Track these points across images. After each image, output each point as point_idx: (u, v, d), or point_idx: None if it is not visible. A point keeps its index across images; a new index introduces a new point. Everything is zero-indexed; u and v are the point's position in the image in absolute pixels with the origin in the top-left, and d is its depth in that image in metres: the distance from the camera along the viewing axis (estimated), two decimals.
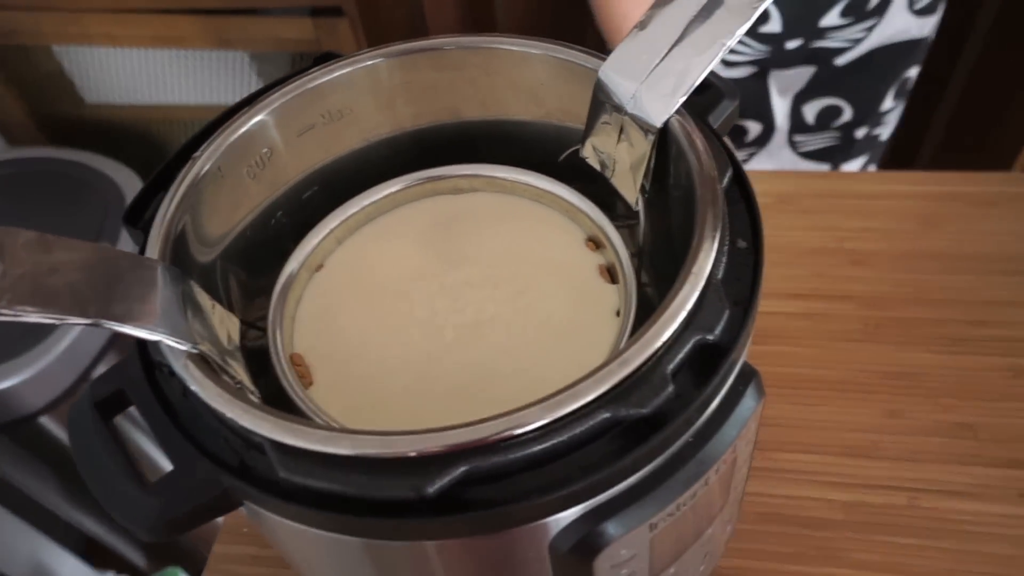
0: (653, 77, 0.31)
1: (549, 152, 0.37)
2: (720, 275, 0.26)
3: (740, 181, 0.30)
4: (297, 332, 0.35)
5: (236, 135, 0.33)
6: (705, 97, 0.33)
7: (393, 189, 0.38)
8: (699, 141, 0.29)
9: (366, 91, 0.35)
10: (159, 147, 1.44)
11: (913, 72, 0.81)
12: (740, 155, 0.82)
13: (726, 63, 0.74)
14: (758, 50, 0.72)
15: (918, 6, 0.73)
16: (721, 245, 0.26)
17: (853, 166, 0.86)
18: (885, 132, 0.86)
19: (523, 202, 0.38)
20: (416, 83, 0.36)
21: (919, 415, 0.43)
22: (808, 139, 0.81)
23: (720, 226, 0.26)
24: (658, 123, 0.30)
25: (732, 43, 0.29)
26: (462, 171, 0.38)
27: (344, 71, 0.34)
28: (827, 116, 0.79)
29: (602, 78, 0.32)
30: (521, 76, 0.35)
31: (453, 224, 0.38)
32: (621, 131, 0.33)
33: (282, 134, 0.35)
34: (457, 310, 0.34)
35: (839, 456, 0.41)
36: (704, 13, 0.30)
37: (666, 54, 0.30)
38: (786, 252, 0.53)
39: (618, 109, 0.32)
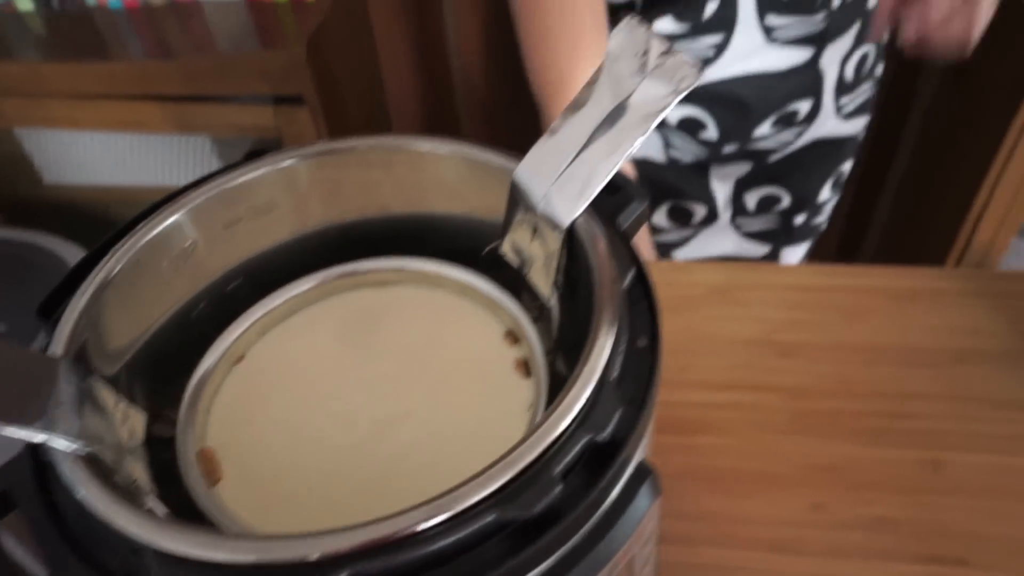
0: (562, 180, 0.32)
1: (474, 245, 0.39)
2: (615, 374, 0.27)
3: (643, 281, 0.31)
4: (211, 426, 0.34)
5: (158, 229, 0.33)
6: (616, 198, 0.35)
7: (319, 281, 0.39)
8: (601, 242, 0.30)
9: (291, 188, 0.36)
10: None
11: (847, 166, 0.86)
12: (684, 233, 0.84)
13: (670, 159, 0.77)
14: (697, 152, 0.76)
15: (846, 111, 0.78)
16: (616, 345, 0.27)
17: (795, 251, 0.89)
18: (823, 220, 0.89)
19: (446, 295, 0.39)
20: (342, 180, 0.37)
21: (842, 509, 0.43)
22: (750, 221, 0.84)
23: (615, 326, 0.27)
24: (565, 223, 0.32)
25: (633, 150, 0.31)
26: (387, 264, 0.39)
27: (269, 169, 0.35)
28: (767, 203, 0.82)
29: (516, 179, 0.34)
30: (440, 174, 0.37)
31: (376, 317, 0.38)
32: (535, 230, 0.34)
33: (207, 228, 0.35)
34: (373, 404, 0.34)
35: (764, 551, 0.41)
36: (608, 122, 0.32)
37: (574, 159, 0.32)
38: (716, 343, 0.54)
39: (531, 209, 0.34)
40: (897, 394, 0.50)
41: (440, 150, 0.35)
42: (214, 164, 1.39)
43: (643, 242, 0.74)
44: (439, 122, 1.48)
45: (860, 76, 0.77)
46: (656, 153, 0.77)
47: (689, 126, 0.73)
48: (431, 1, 1.29)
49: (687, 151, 0.76)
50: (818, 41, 0.69)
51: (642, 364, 0.28)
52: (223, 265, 0.37)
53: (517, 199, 0.34)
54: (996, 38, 1.07)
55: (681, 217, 0.83)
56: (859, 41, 0.73)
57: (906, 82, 1.27)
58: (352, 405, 0.34)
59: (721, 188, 0.80)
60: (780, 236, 0.86)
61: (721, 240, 0.85)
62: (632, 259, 0.32)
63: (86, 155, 1.37)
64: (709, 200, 0.81)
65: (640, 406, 0.26)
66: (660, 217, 0.83)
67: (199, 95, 1.11)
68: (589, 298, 0.29)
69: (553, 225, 0.32)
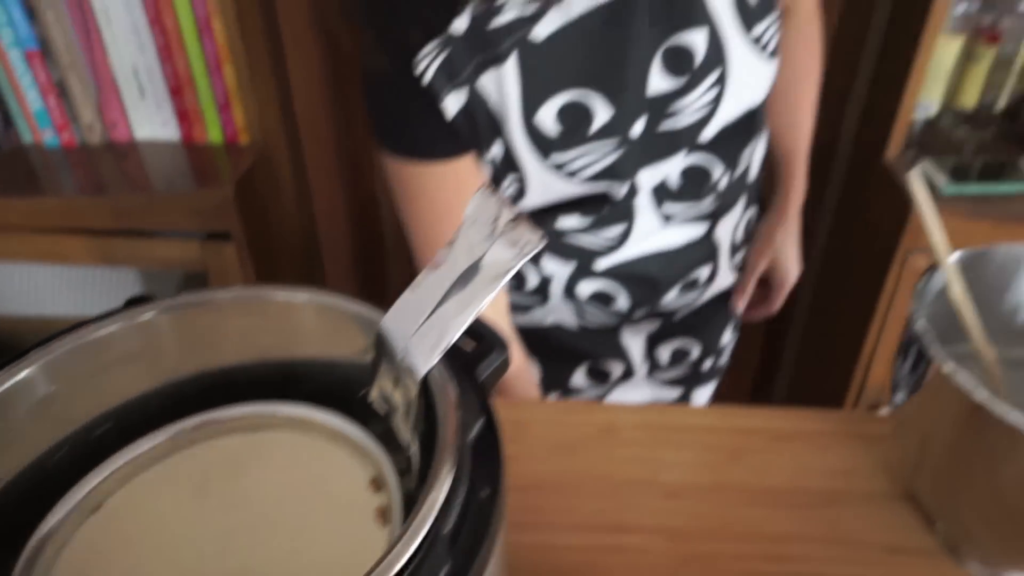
0: (420, 333, 0.34)
1: (351, 388, 0.39)
2: (449, 527, 0.27)
3: (492, 431, 0.32)
4: None
5: (12, 381, 0.33)
6: (478, 349, 0.37)
7: (190, 426, 0.38)
8: (451, 393, 0.31)
9: (160, 337, 0.36)
10: None
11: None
12: (603, 390, 0.85)
13: (581, 326, 0.79)
14: (608, 320, 0.78)
15: (740, 265, 0.83)
16: (453, 496, 0.27)
17: (704, 391, 0.91)
18: (726, 360, 0.92)
19: (316, 440, 0.39)
20: (214, 328, 0.37)
21: None
22: (664, 373, 0.86)
23: (451, 477, 0.27)
24: (420, 374, 0.33)
25: (483, 307, 0.33)
26: (260, 410, 0.39)
27: (133, 321, 0.36)
28: (679, 355, 0.84)
29: (381, 330, 0.35)
30: (312, 322, 0.38)
31: (244, 463, 0.38)
32: (398, 378, 0.35)
33: (71, 376, 0.35)
34: (225, 557, 0.33)
35: None
36: (462, 281, 0.33)
37: (431, 313, 0.34)
38: (604, 483, 0.55)
39: (393, 358, 0.35)
40: (773, 536, 0.50)
41: (296, 299, 0.36)
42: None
43: (524, 381, 0.74)
44: (370, 261, 1.51)
45: (748, 234, 0.83)
46: (569, 319, 0.78)
47: (601, 299, 0.75)
48: (362, 153, 1.35)
49: (599, 318, 0.78)
50: (711, 217, 0.74)
51: (482, 515, 0.29)
52: (89, 412, 0.36)
53: (382, 349, 0.35)
54: (869, 203, 1.18)
55: (599, 377, 0.83)
56: (746, 208, 0.78)
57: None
58: (204, 559, 0.33)
59: (634, 344, 0.82)
60: (691, 381, 0.88)
61: (637, 391, 0.86)
62: (483, 409, 0.33)
63: (4, 285, 1.34)
64: (625, 358, 0.82)
65: (472, 558, 0.26)
66: (579, 378, 0.83)
67: (123, 229, 1.12)
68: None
69: (411, 375, 0.33)
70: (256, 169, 1.16)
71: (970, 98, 1.09)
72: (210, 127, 1.16)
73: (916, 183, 0.46)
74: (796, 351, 1.51)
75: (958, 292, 0.47)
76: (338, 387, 0.39)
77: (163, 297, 0.38)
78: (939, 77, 1.06)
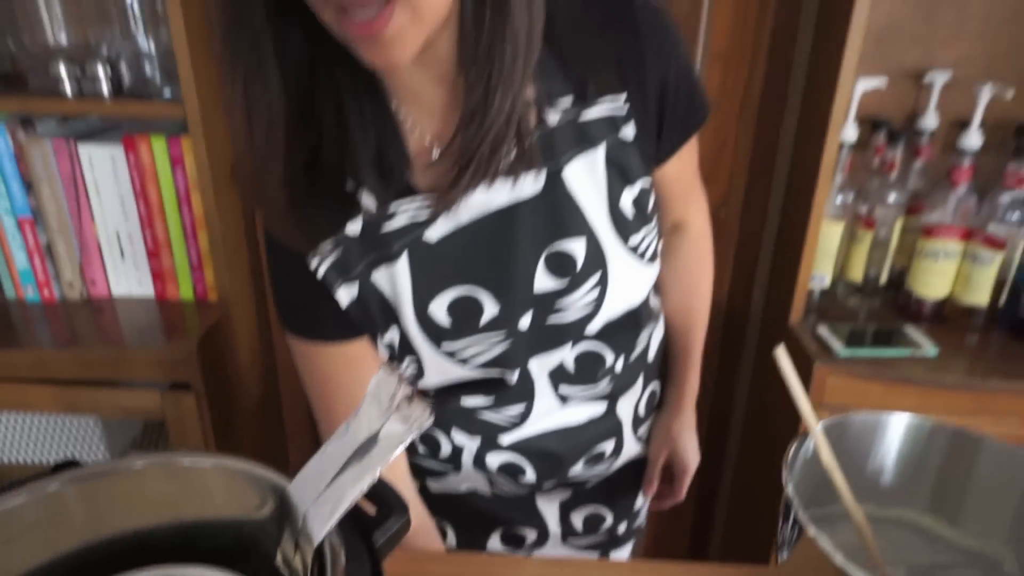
0: (319, 501, 0.34)
1: (257, 547, 0.39)
2: None
3: None
4: None
5: None
6: (378, 513, 0.37)
7: None
8: (341, 560, 0.32)
9: (73, 504, 0.36)
10: None
11: None
12: (523, 553, 0.81)
13: (494, 493, 0.77)
14: (519, 491, 0.76)
15: (646, 437, 0.82)
16: None
17: (620, 553, 0.87)
18: (642, 521, 0.89)
19: None
20: (125, 494, 0.37)
21: None
22: (579, 540, 0.82)
23: None
24: (317, 540, 0.33)
25: (376, 477, 0.34)
26: (166, 573, 0.38)
27: (48, 489, 0.36)
28: (592, 523, 0.81)
29: (287, 496, 0.36)
30: (218, 485, 0.38)
31: None
32: (298, 543, 0.35)
33: None
34: None
35: None
36: (361, 451, 0.35)
37: (330, 482, 0.34)
38: None
39: (295, 523, 0.35)
40: None
41: (202, 464, 0.37)
42: (105, 441, 1.33)
43: (425, 538, 0.72)
44: None
45: (651, 407, 0.82)
46: (482, 487, 0.76)
47: (509, 470, 0.73)
48: None
49: (510, 488, 0.76)
50: (610, 397, 0.73)
51: None
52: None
53: (285, 514, 0.36)
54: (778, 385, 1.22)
55: (514, 542, 0.80)
56: (645, 384, 0.77)
57: (720, 415, 1.41)
58: None
59: (548, 510, 0.79)
60: (607, 545, 0.85)
61: (554, 555, 0.83)
62: (374, 575, 0.33)
63: None
64: (539, 524, 0.79)
65: None
66: (495, 543, 0.80)
67: (87, 379, 1.10)
68: None
69: (308, 541, 0.34)
70: (221, 324, 1.17)
71: (857, 272, 1.17)
72: (183, 285, 1.19)
73: (782, 360, 0.49)
74: (727, 509, 1.49)
75: (826, 457, 0.49)
76: (246, 546, 0.39)
77: (92, 462, 0.38)
78: (828, 254, 1.15)
